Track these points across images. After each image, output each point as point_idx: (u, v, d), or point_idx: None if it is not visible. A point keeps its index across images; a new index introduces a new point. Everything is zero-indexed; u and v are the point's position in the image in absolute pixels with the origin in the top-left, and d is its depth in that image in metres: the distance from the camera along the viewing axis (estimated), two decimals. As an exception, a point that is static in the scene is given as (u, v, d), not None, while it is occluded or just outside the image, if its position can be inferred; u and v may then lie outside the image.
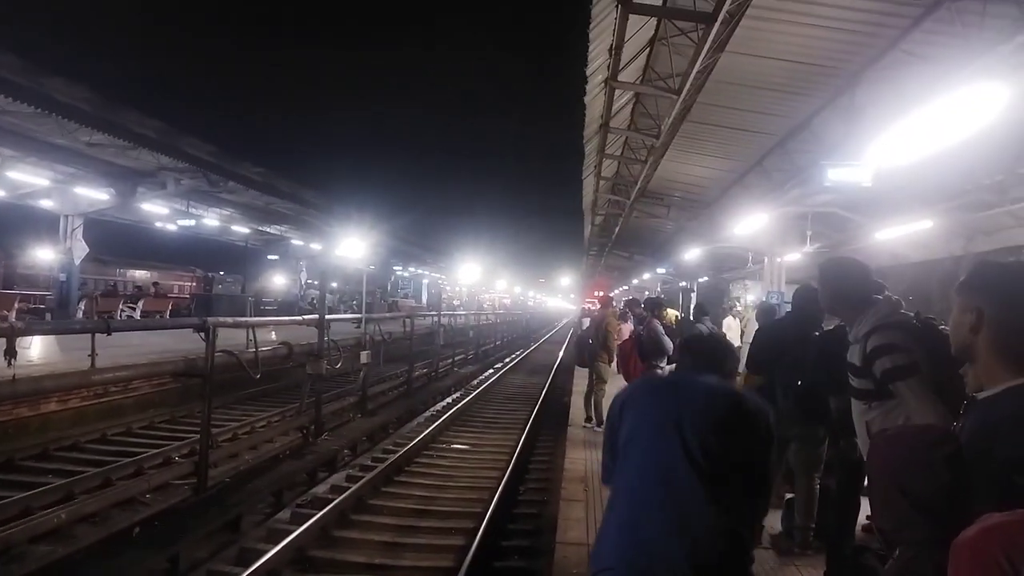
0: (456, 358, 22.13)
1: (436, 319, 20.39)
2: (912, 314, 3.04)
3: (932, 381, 2.42)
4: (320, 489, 7.84)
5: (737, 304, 17.50)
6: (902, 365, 2.44)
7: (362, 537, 6.42)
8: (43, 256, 24.89)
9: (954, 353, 1.46)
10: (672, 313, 9.65)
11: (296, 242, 32.35)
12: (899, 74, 8.16)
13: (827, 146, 10.40)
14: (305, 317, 11.43)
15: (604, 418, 8.74)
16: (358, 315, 15.31)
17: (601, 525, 2.11)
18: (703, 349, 2.42)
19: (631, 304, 9.40)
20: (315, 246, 31.77)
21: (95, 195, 17.54)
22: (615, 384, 9.44)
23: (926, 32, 7.51)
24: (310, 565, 5.79)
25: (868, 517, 4.81)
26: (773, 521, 4.47)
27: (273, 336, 12.62)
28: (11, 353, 5.48)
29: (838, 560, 3.65)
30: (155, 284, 31.51)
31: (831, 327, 4.14)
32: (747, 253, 19.14)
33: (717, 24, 6.77)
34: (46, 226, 22.05)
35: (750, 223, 13.21)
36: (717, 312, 14.80)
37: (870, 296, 2.74)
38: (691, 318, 11.34)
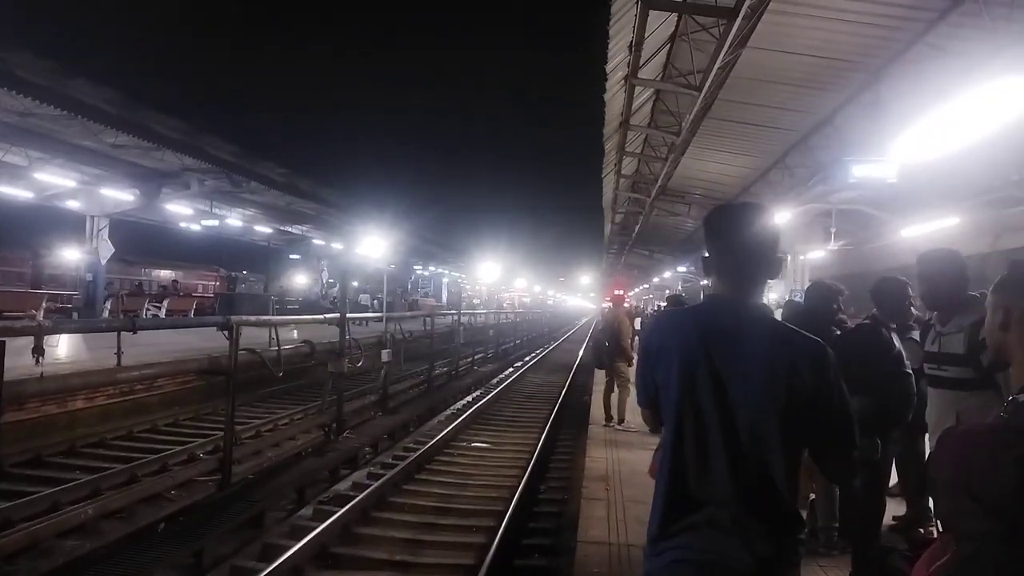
0: (476, 357, 22.18)
1: (456, 318, 20.43)
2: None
3: None
4: (342, 486, 7.89)
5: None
6: None
7: (383, 534, 6.45)
8: (70, 256, 25.31)
9: (991, 355, 1.43)
10: None
11: (317, 242, 32.58)
12: (924, 68, 8.04)
13: (851, 142, 10.28)
14: (327, 316, 11.50)
15: (624, 417, 8.70)
16: (379, 314, 15.38)
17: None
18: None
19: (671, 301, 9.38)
20: (336, 245, 31.98)
21: (120, 196, 17.78)
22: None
23: (952, 26, 7.39)
24: (332, 562, 5.82)
25: (895, 518, 4.75)
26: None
27: (295, 334, 12.73)
28: (39, 351, 5.58)
29: (864, 561, 3.60)
30: (177, 283, 31.91)
31: (853, 326, 4.09)
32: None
33: (739, 19, 6.72)
34: (72, 227, 22.42)
35: (772, 220, 13.06)
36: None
37: (966, 290, 2.76)
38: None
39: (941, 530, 1.22)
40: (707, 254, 1.84)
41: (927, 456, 2.10)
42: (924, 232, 12.34)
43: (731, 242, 1.79)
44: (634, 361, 9.49)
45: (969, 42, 7.25)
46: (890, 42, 8.16)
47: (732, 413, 1.63)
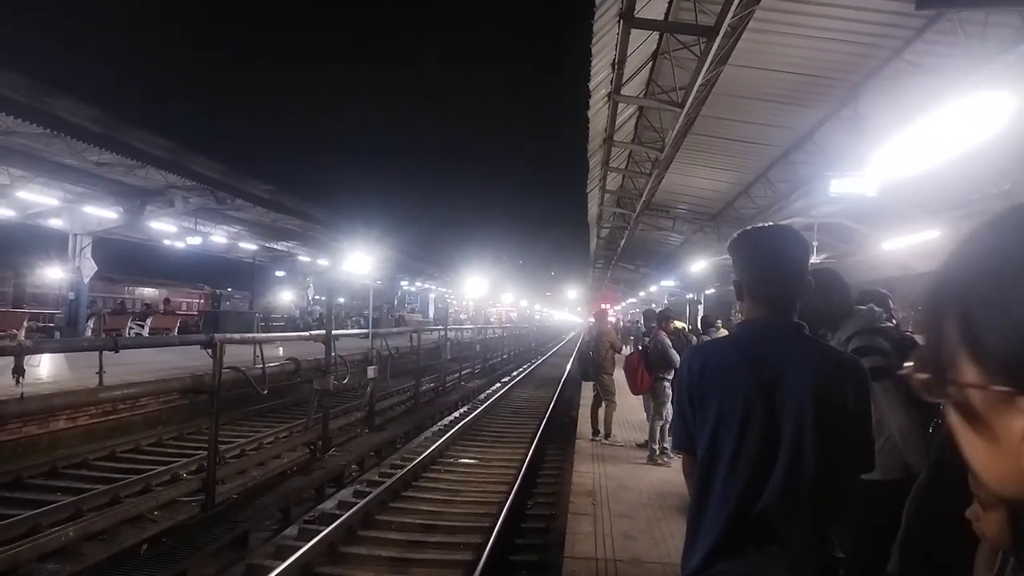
0: (463, 372, 22.12)
1: (443, 333, 20.40)
2: (892, 324, 3.09)
3: (904, 388, 2.44)
4: (328, 505, 7.82)
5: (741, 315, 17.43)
6: (879, 367, 2.46)
7: (370, 553, 6.40)
8: (52, 275, 25.09)
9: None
10: (679, 324, 9.67)
11: (303, 258, 32.50)
12: (902, 84, 8.19)
13: (831, 157, 10.42)
14: (312, 333, 11.44)
15: (611, 431, 8.73)
16: (365, 330, 15.34)
17: None
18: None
19: (647, 316, 9.44)
20: (322, 262, 31.91)
21: (104, 214, 17.70)
22: (628, 396, 9.44)
23: (928, 43, 7.54)
24: (318, 581, 5.77)
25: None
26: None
27: (280, 352, 12.65)
28: (19, 371, 5.52)
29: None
30: (166, 301, 31.66)
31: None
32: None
33: (719, 37, 6.81)
34: (55, 245, 22.26)
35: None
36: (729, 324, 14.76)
37: (852, 305, 2.83)
38: (699, 328, 11.32)
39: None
40: (738, 278, 1.81)
41: None
42: (905, 245, 12.50)
43: (764, 264, 1.77)
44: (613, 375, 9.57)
45: (945, 59, 7.41)
46: (868, 59, 8.31)
47: (789, 443, 1.61)
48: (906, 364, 0.60)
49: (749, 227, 1.87)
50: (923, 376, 0.56)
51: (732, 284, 1.85)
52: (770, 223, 1.92)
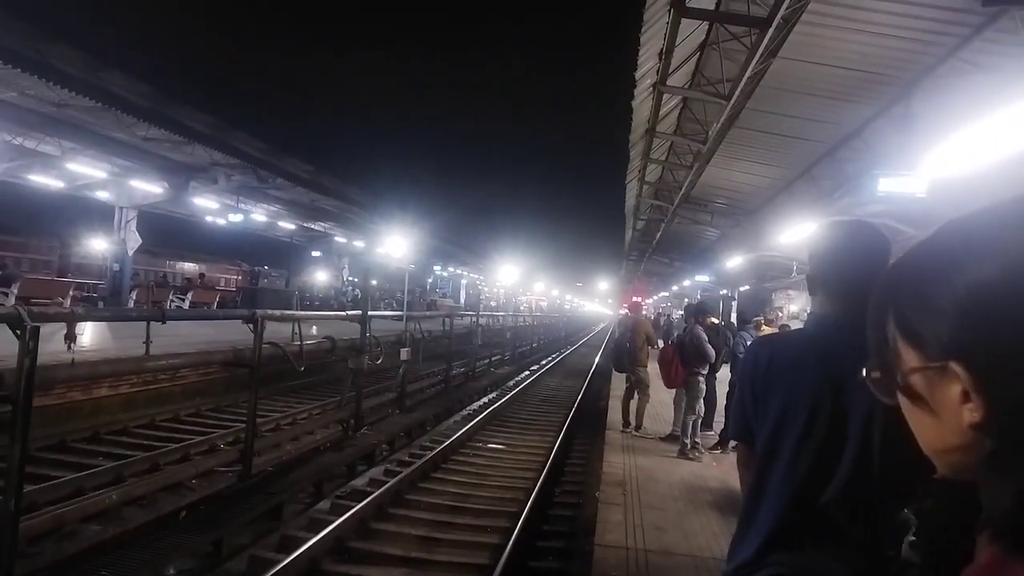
0: (493, 359, 22.22)
1: (474, 319, 20.50)
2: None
3: None
4: (359, 482, 7.96)
5: (780, 313, 17.23)
6: None
7: (399, 531, 6.49)
8: (96, 246, 25.72)
9: None
10: (714, 320, 9.61)
11: (339, 239, 32.82)
12: (957, 83, 7.96)
13: (879, 155, 10.18)
14: (349, 313, 11.59)
15: (642, 423, 8.72)
16: (399, 312, 15.47)
17: None
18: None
19: (687, 311, 9.41)
20: (358, 243, 32.18)
21: (149, 188, 18.07)
22: (657, 390, 9.41)
23: (987, 41, 7.31)
24: (349, 555, 5.88)
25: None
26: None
27: (315, 330, 12.83)
28: (71, 337, 5.68)
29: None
30: (202, 276, 32.29)
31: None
32: (791, 263, 18.82)
33: (771, 29, 6.70)
34: (100, 217, 22.82)
35: (796, 232, 12.98)
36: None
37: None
38: (735, 324, 11.21)
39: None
40: (812, 271, 1.79)
41: None
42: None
43: (841, 258, 1.75)
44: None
45: (1004, 58, 7.18)
46: (923, 56, 8.09)
47: (855, 441, 1.59)
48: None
49: (830, 221, 1.86)
50: (876, 376, 0.65)
51: (805, 277, 1.83)
52: (851, 218, 1.90)
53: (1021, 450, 0.51)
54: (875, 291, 0.64)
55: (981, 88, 7.27)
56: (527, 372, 21.30)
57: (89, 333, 12.00)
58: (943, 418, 0.56)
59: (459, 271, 55.51)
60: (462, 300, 53.34)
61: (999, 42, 7.17)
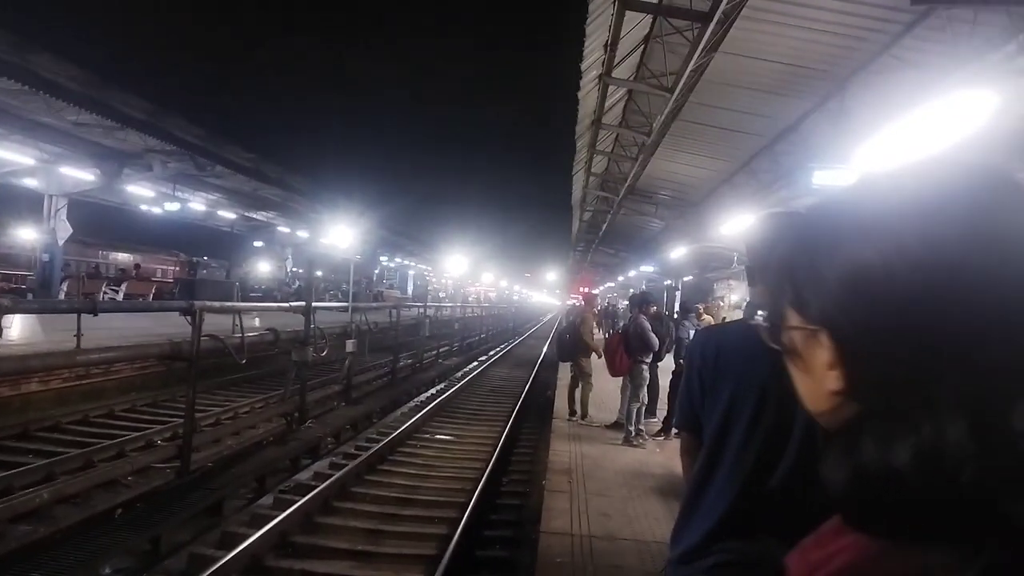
0: (441, 350, 22.16)
1: (422, 310, 20.39)
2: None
3: None
4: (303, 476, 7.84)
5: (721, 303, 17.63)
6: None
7: (344, 524, 6.43)
8: (25, 236, 24.60)
9: None
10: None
11: (283, 229, 32.16)
12: (889, 79, 8.26)
13: (815, 149, 10.48)
14: (292, 304, 11.39)
15: (587, 412, 8.84)
16: (345, 303, 15.28)
17: None
18: None
19: (631, 300, 9.56)
20: (302, 233, 31.59)
21: (81, 175, 17.34)
22: (600, 379, 9.54)
23: (917, 38, 7.60)
24: (293, 550, 5.79)
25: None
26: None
27: (257, 322, 12.57)
28: (-4, 331, 5.44)
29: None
30: (137, 267, 31.22)
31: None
32: (733, 253, 19.29)
33: (712, 24, 6.83)
34: (28, 205, 21.80)
35: (737, 223, 13.31)
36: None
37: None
38: (676, 316, 11.44)
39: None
40: (751, 263, 1.82)
41: None
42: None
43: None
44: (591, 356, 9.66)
45: (932, 55, 7.47)
46: (857, 52, 8.37)
47: (800, 432, 1.58)
48: (759, 319, 0.75)
49: (769, 212, 1.89)
50: (767, 326, 0.71)
51: (745, 268, 1.87)
52: (788, 210, 1.95)
53: (869, 428, 0.54)
54: (777, 260, 0.68)
55: (911, 83, 7.55)
56: (476, 363, 21.31)
57: (17, 326, 11.50)
58: (814, 379, 0.62)
59: (407, 262, 55.06)
60: (410, 291, 52.95)
61: (928, 39, 7.47)
